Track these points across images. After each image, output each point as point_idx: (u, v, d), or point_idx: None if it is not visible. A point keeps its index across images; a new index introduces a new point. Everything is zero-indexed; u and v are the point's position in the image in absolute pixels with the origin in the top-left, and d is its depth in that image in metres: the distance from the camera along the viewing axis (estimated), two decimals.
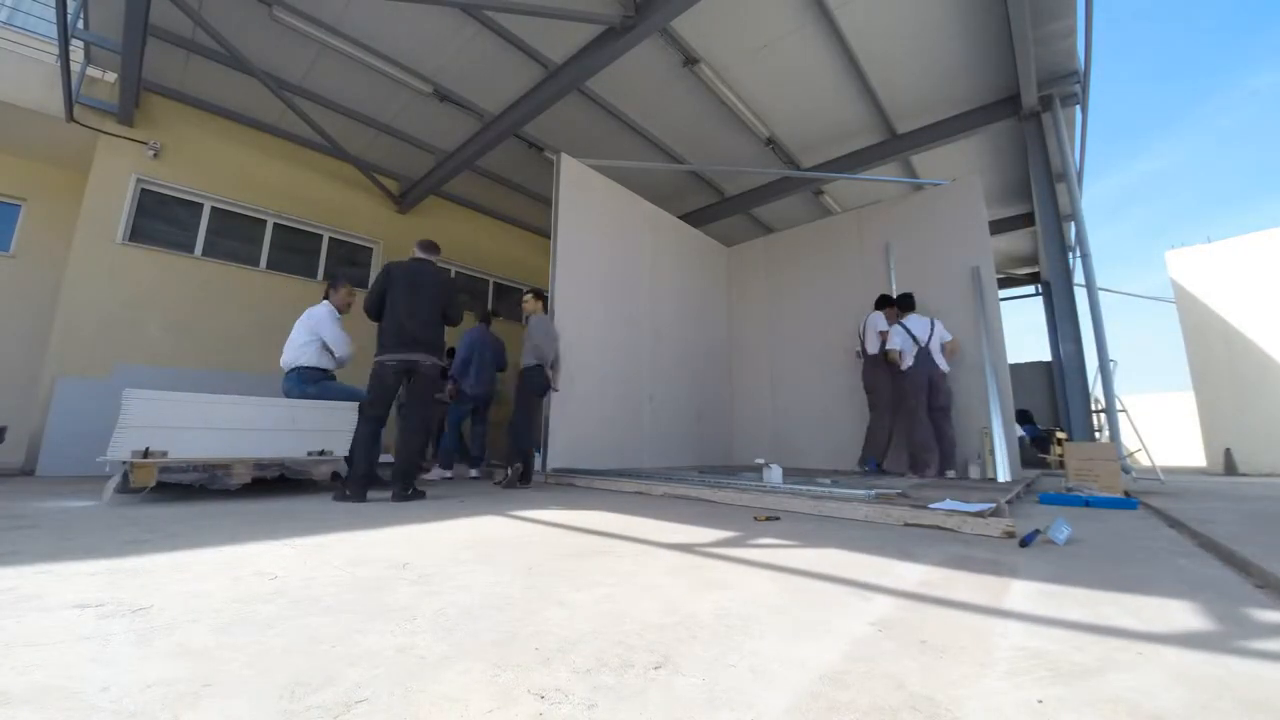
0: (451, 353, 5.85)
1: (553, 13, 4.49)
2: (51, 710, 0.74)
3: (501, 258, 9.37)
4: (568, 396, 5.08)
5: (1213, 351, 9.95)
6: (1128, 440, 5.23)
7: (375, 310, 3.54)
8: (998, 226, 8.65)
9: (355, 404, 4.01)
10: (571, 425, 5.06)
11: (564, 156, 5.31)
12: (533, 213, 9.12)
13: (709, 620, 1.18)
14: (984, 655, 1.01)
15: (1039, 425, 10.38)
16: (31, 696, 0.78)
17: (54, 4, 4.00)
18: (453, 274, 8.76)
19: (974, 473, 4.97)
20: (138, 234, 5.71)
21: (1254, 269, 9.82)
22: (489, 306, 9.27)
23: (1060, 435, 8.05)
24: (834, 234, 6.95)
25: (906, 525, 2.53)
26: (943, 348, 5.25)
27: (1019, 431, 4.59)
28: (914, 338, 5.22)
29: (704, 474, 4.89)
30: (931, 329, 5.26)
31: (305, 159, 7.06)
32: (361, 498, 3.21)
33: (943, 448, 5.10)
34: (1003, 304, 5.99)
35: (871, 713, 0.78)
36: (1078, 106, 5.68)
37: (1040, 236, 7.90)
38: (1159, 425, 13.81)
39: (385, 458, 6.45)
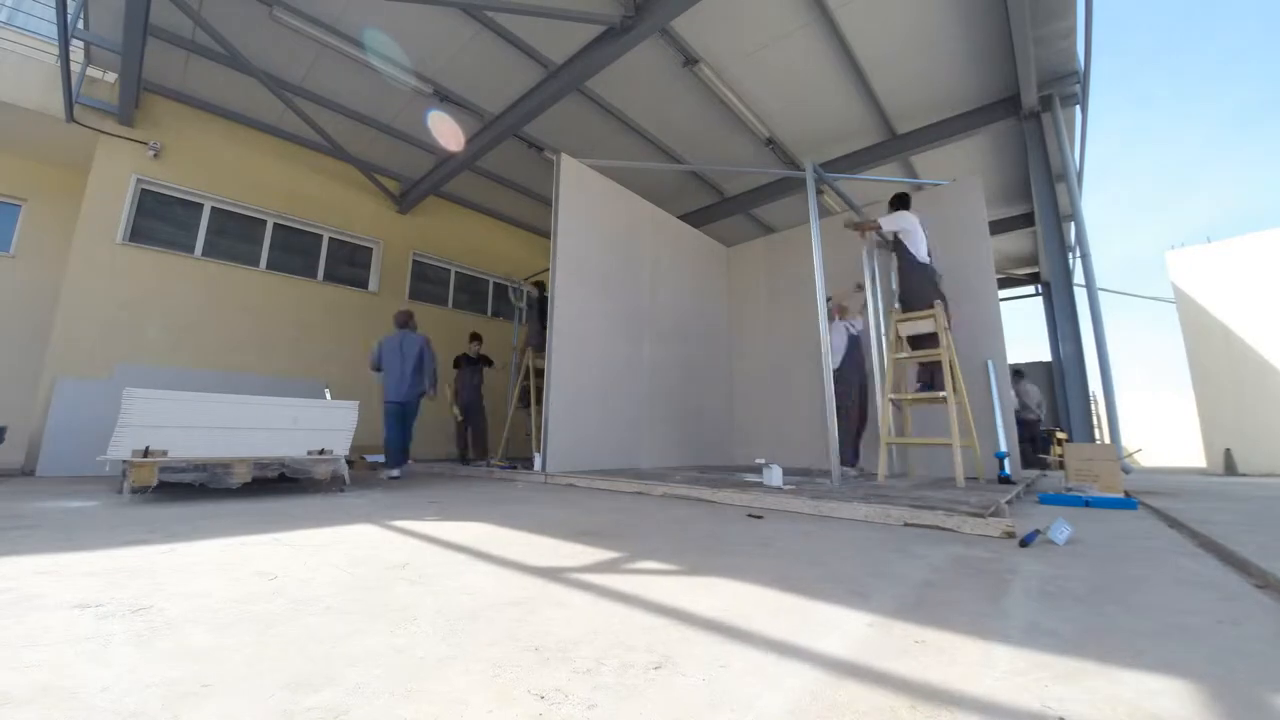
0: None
1: (553, 13, 4.49)
2: (51, 710, 0.74)
3: (501, 258, 9.37)
4: (567, 397, 5.07)
5: (1213, 352, 9.95)
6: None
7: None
8: (998, 226, 8.64)
9: (355, 404, 4.12)
10: (571, 425, 5.06)
11: (564, 156, 5.31)
12: (533, 213, 9.12)
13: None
14: (983, 655, 1.01)
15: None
16: (31, 696, 0.78)
17: (54, 4, 4.00)
18: (452, 274, 8.77)
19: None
20: (138, 234, 5.71)
21: (1254, 269, 9.82)
22: (488, 307, 9.27)
23: (1060, 435, 8.04)
24: (834, 234, 6.94)
25: (907, 525, 2.53)
26: None
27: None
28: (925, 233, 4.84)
29: (704, 474, 4.90)
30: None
31: (305, 159, 7.06)
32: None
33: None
34: (1003, 304, 5.98)
35: (871, 713, 0.78)
36: (1077, 106, 5.68)
37: (1040, 236, 7.90)
38: (1159, 425, 13.82)
39: (375, 458, 6.53)
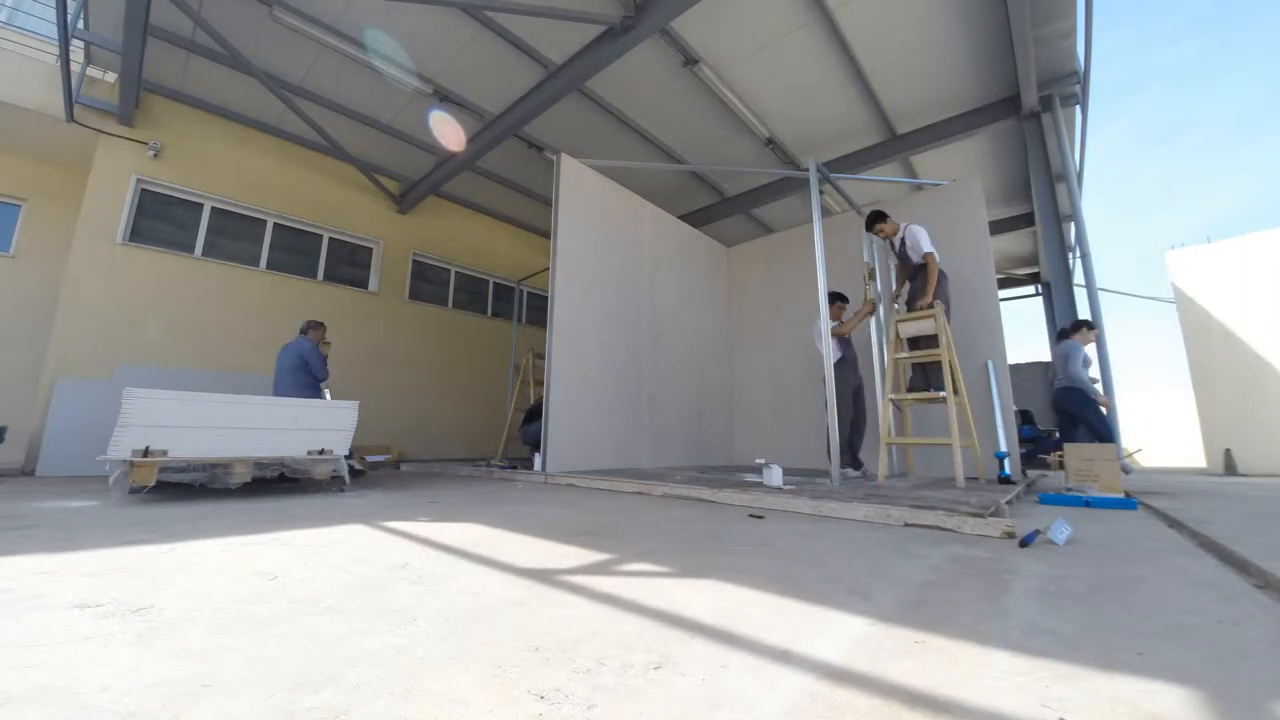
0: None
1: (553, 13, 4.50)
2: (51, 710, 0.74)
3: (501, 258, 9.37)
4: (567, 397, 5.07)
5: (1213, 352, 9.96)
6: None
7: None
8: (998, 226, 8.64)
9: (355, 404, 4.08)
10: (571, 425, 5.06)
11: (564, 156, 5.31)
12: (533, 213, 9.13)
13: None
14: (983, 655, 1.01)
15: (1039, 425, 10.38)
16: (31, 696, 0.78)
17: (54, 4, 4.01)
18: (452, 274, 8.78)
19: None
20: (138, 234, 5.71)
21: (1254, 269, 9.83)
22: (488, 308, 9.28)
23: None
24: (834, 234, 6.94)
25: (907, 525, 2.53)
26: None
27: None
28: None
29: (704, 474, 4.89)
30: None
31: (305, 159, 7.06)
32: None
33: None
34: (1003, 304, 5.98)
35: (871, 713, 0.78)
36: (1077, 107, 5.68)
37: (1040, 236, 7.90)
38: (1159, 426, 13.82)
39: (376, 458, 6.53)
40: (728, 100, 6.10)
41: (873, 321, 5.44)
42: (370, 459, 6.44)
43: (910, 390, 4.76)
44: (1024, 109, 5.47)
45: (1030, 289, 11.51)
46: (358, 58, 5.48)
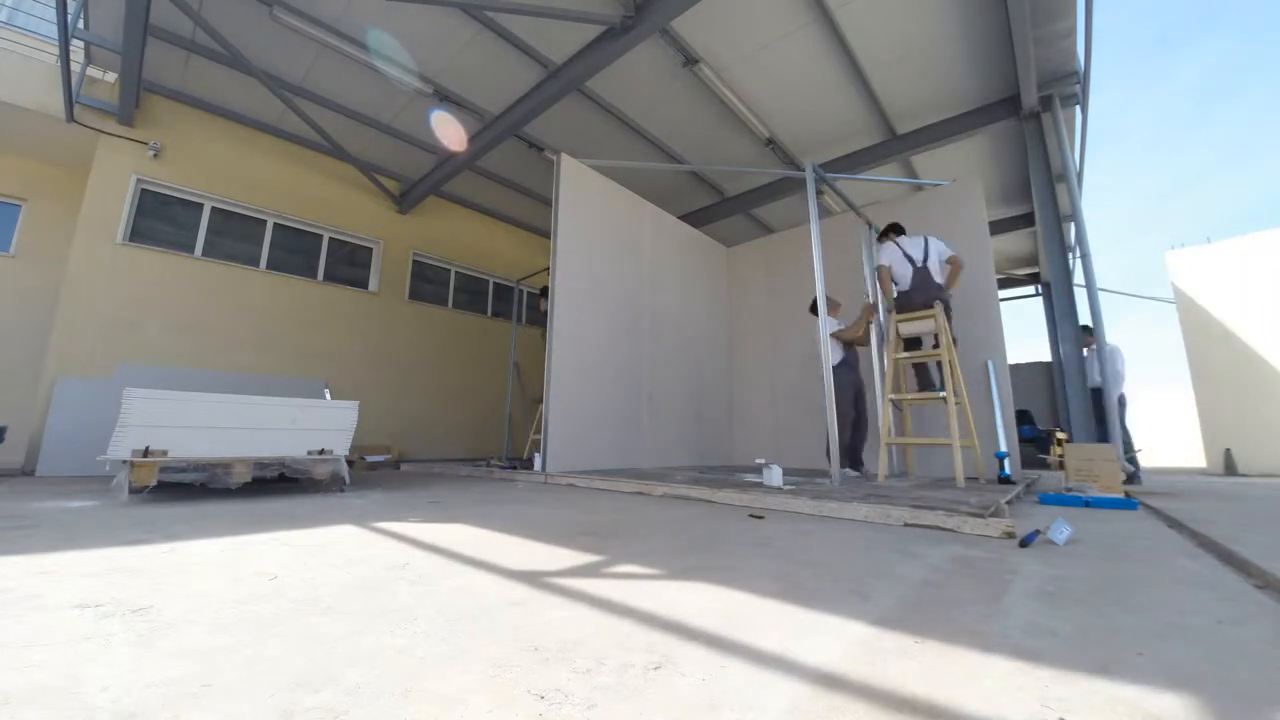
0: None
1: (553, 13, 4.49)
2: (51, 710, 0.74)
3: (501, 258, 9.37)
4: (567, 396, 5.08)
5: (1213, 352, 9.97)
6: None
7: None
8: (998, 226, 8.64)
9: (354, 404, 4.07)
10: (571, 425, 5.06)
11: (564, 156, 5.31)
12: (533, 213, 9.12)
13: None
14: (983, 656, 1.01)
15: (1039, 426, 10.39)
16: (31, 696, 0.78)
17: (54, 4, 4.01)
18: (452, 274, 8.78)
19: None
20: (138, 234, 5.71)
21: (1254, 269, 9.83)
22: (488, 308, 9.28)
23: (1060, 436, 8.04)
24: (834, 234, 6.94)
25: (907, 525, 2.53)
26: (942, 267, 4.62)
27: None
28: (908, 256, 4.63)
29: (704, 474, 4.90)
30: (927, 247, 4.62)
31: (305, 159, 7.06)
32: None
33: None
34: (1003, 304, 5.98)
35: (871, 713, 0.78)
36: (1078, 107, 5.68)
37: (1040, 237, 7.89)
38: (1159, 426, 13.82)
39: (376, 458, 6.52)
40: (727, 100, 6.10)
41: (872, 325, 5.44)
42: (370, 459, 6.45)
43: (920, 390, 4.80)
44: (1024, 109, 5.47)
45: (1030, 289, 11.51)
46: (358, 58, 5.48)
